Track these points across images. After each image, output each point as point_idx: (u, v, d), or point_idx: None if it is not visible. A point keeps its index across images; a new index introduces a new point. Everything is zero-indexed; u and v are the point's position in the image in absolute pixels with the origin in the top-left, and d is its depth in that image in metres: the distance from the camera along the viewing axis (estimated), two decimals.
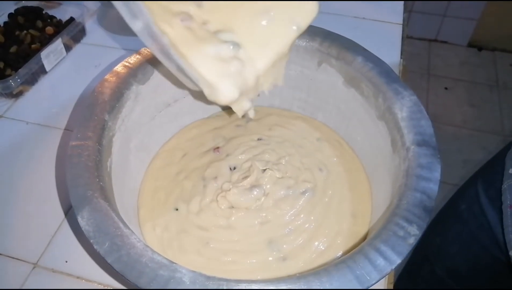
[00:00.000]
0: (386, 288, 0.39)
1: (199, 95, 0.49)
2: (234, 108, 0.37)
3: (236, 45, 0.34)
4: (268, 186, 0.43)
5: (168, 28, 0.32)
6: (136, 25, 0.29)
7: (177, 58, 0.31)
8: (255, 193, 0.43)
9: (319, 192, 0.44)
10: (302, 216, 0.42)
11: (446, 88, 1.64)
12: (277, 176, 0.44)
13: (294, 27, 0.35)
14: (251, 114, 0.39)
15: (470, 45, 1.80)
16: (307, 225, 0.42)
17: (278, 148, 0.48)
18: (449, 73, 1.70)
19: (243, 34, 0.35)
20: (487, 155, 1.33)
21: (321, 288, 0.28)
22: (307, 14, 0.36)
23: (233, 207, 0.42)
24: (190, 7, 0.34)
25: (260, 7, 0.35)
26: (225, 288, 0.28)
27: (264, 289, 0.28)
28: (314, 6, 0.35)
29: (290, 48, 0.37)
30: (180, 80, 0.36)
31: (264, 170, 0.44)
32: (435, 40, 1.84)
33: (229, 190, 0.43)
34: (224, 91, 0.34)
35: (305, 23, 0.36)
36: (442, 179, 0.34)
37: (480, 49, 1.79)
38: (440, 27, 1.79)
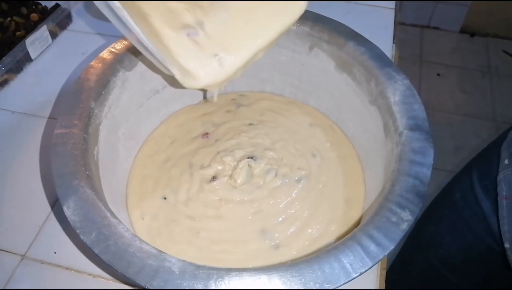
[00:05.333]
0: (378, 275, 0.39)
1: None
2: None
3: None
4: (264, 179, 0.43)
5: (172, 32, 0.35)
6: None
7: (149, 44, 0.32)
8: (251, 190, 0.42)
9: (313, 179, 0.44)
10: (296, 204, 0.42)
11: (438, 75, 1.64)
12: (274, 166, 0.43)
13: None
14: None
15: (463, 31, 1.79)
16: (300, 213, 0.41)
17: (272, 133, 0.47)
18: (442, 60, 1.70)
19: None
20: (480, 142, 1.34)
21: (313, 275, 0.28)
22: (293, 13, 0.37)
23: (222, 199, 0.42)
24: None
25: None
26: (215, 277, 0.28)
27: (257, 288, 0.28)
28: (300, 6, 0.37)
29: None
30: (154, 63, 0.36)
31: (254, 160, 0.43)
32: (427, 27, 1.83)
33: (216, 180, 0.42)
34: (199, 76, 0.35)
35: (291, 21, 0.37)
36: (435, 165, 0.33)
37: (472, 35, 1.78)
38: (432, 13, 1.77)
